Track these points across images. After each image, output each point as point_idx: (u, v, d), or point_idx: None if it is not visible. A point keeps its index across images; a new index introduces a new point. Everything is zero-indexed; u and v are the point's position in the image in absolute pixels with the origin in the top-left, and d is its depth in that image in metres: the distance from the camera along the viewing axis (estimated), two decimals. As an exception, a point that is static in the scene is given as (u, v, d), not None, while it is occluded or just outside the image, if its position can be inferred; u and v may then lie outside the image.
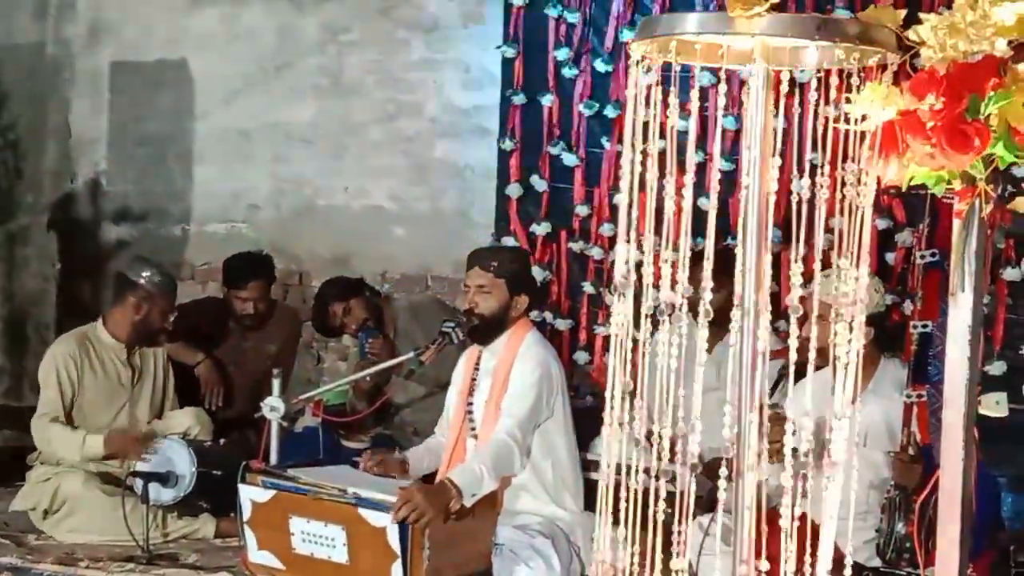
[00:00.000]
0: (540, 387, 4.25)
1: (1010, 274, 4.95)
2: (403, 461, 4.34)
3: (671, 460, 2.40)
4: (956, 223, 2.15)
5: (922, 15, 2.11)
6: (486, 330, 4.36)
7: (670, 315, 2.32)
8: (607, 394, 2.45)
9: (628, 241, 2.35)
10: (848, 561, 2.36)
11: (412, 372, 4.63)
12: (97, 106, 7.15)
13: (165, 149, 7.02)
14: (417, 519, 3.74)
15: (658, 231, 2.36)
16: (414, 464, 4.38)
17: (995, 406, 2.35)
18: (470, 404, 4.39)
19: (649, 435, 2.45)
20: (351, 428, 5.33)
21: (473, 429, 4.35)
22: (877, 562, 3.76)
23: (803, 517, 2.33)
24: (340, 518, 3.82)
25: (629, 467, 2.44)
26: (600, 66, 5.67)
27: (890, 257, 5.13)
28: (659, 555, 2.47)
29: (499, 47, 5.92)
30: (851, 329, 2.28)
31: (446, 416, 4.56)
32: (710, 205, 2.29)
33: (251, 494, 4.00)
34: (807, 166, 2.29)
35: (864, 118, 2.17)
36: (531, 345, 4.36)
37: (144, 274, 5.22)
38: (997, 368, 4.96)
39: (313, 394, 4.76)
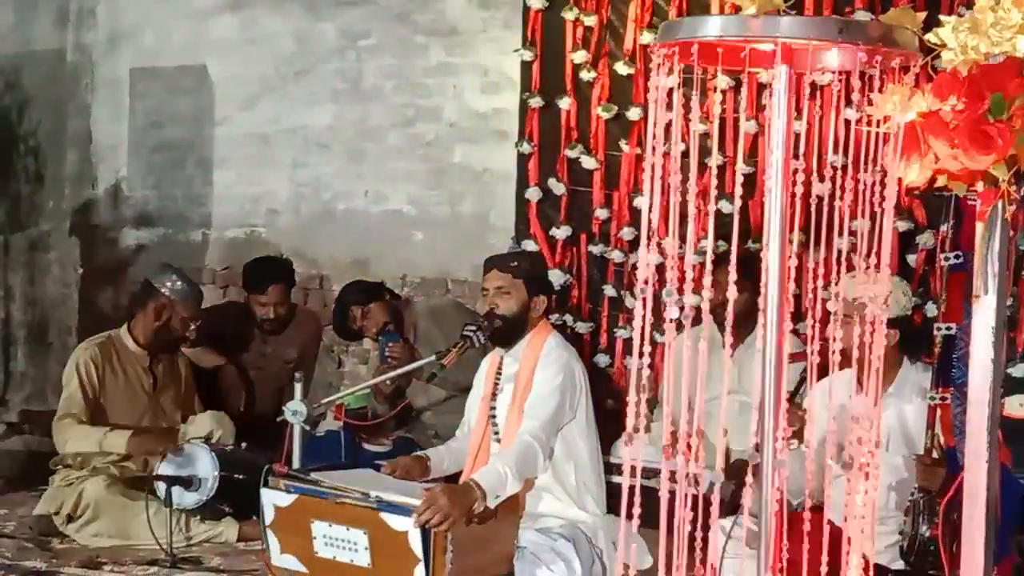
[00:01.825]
0: (563, 389, 4.26)
1: (1032, 276, 4.94)
2: (424, 460, 4.35)
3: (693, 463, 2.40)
4: (979, 225, 2.14)
5: (942, 17, 2.11)
6: (508, 331, 4.36)
7: (680, 315, 2.32)
8: (629, 398, 2.45)
9: (652, 245, 2.35)
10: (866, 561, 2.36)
11: (433, 376, 4.63)
12: (117, 112, 7.18)
13: (185, 154, 7.05)
14: (441, 521, 3.74)
15: (679, 235, 2.36)
16: (435, 464, 4.38)
17: (1019, 408, 2.35)
18: (493, 409, 4.39)
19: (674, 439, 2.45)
20: (372, 432, 5.34)
21: (496, 434, 4.35)
22: (900, 565, 3.75)
23: (827, 521, 2.33)
24: (362, 522, 3.82)
25: (652, 471, 2.44)
26: (621, 69, 5.67)
27: (911, 259, 5.11)
28: (682, 558, 2.47)
29: (517, 50, 5.93)
30: (875, 331, 2.28)
31: (467, 421, 4.56)
32: (733, 208, 2.29)
33: (273, 498, 4.00)
34: (828, 169, 2.29)
35: (886, 120, 2.17)
36: (553, 348, 4.36)
37: (167, 282, 5.25)
38: (1020, 370, 4.93)
39: (334, 398, 4.77)
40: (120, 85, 7.17)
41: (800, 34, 2.11)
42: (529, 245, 5.91)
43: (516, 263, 4.45)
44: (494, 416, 4.38)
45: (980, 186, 2.14)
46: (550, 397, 4.22)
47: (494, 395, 4.41)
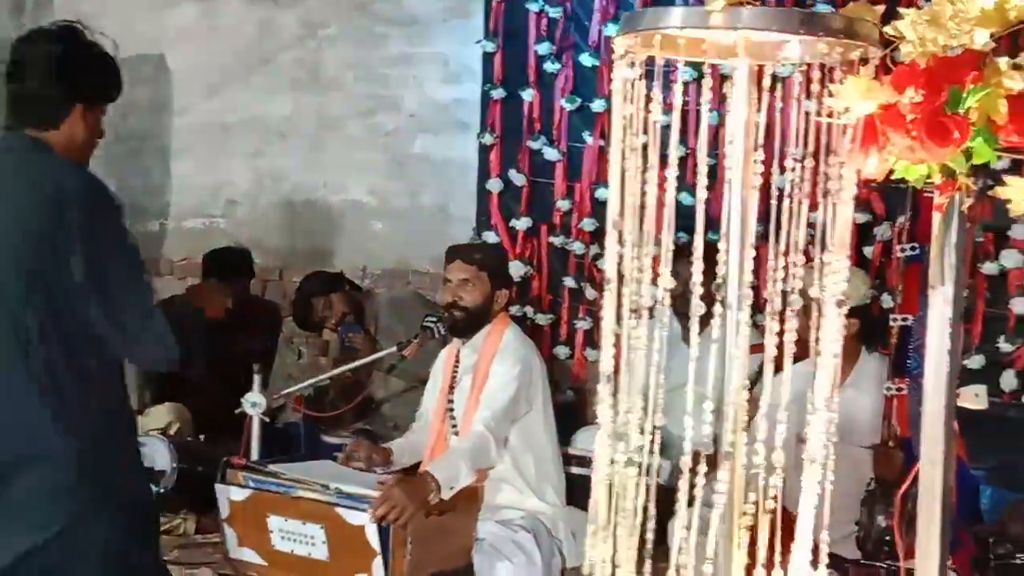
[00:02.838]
0: (520, 381, 4.26)
1: (989, 268, 4.98)
2: (386, 451, 4.35)
3: (651, 453, 2.40)
4: (936, 217, 2.15)
5: (902, 10, 2.11)
6: (469, 323, 4.36)
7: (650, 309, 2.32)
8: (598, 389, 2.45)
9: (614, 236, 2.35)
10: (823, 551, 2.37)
11: (393, 367, 4.63)
12: (75, 102, 7.11)
13: (143, 144, 6.99)
14: (398, 516, 3.73)
15: (641, 226, 2.36)
16: (396, 457, 4.38)
17: (974, 399, 2.36)
18: (450, 401, 4.39)
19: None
20: (332, 423, 5.32)
21: (454, 426, 4.35)
22: (857, 555, 3.78)
23: (783, 511, 2.34)
24: (319, 516, 3.82)
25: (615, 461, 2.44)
26: (585, 60, 5.68)
27: (868, 251, 5.14)
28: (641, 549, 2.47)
29: (479, 41, 5.92)
30: (834, 320, 2.29)
31: (424, 413, 4.56)
32: (697, 200, 2.29)
33: (228, 493, 3.99)
34: (788, 160, 2.30)
35: (845, 111, 2.18)
36: (511, 340, 4.37)
37: None
38: (976, 362, 4.99)
39: (294, 389, 4.75)
40: (78, 74, 7.10)
41: (761, 25, 2.11)
42: (490, 236, 5.91)
43: (480, 255, 4.45)
44: (451, 409, 4.37)
45: (938, 178, 2.15)
46: (506, 388, 4.23)
47: (452, 387, 4.41)
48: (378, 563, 3.74)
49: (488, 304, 4.36)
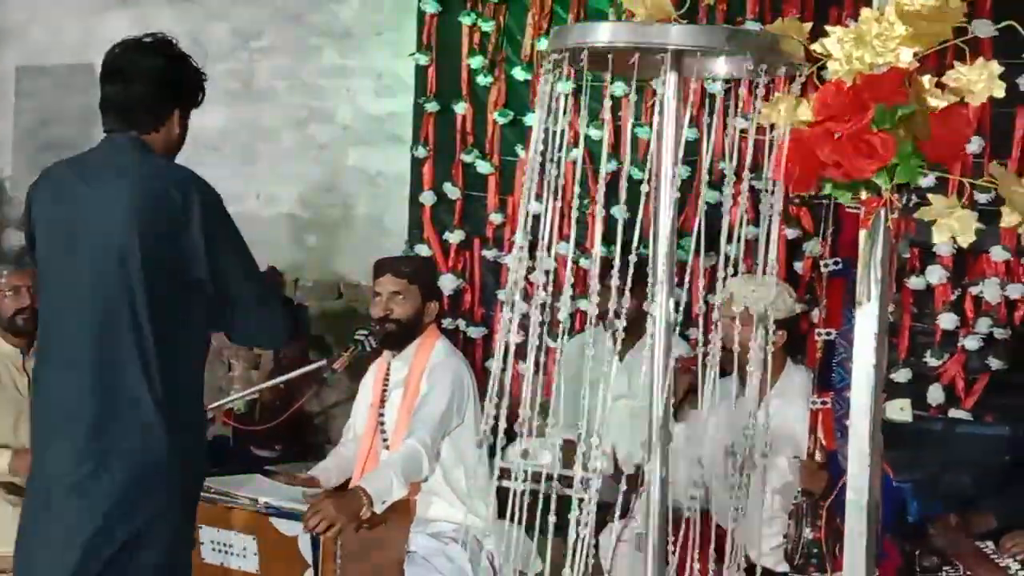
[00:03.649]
0: (451, 394, 4.26)
1: (915, 283, 5.04)
2: (313, 480, 4.33)
3: (584, 468, 2.41)
4: (862, 232, 2.18)
5: (828, 28, 2.14)
6: (400, 336, 4.35)
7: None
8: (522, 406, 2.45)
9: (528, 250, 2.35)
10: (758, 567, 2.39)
11: (324, 380, 4.61)
12: (2, 110, 7.03)
13: (73, 154, 6.90)
14: (327, 528, 3.71)
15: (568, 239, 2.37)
16: (323, 482, 4.36)
17: (900, 412, 2.39)
18: (381, 415, 4.38)
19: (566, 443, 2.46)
20: (262, 437, 5.29)
21: (385, 440, 4.34)
22: (785, 567, 3.81)
23: (714, 525, 2.36)
24: (251, 528, 3.79)
25: (544, 475, 2.45)
26: (518, 74, 5.69)
27: (799, 267, 5.19)
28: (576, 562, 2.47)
29: (412, 55, 5.92)
30: (762, 332, 2.31)
31: (353, 427, 4.54)
32: (621, 214, 2.31)
33: (159, 504, 3.94)
34: (719, 176, 2.32)
35: (772, 128, 2.20)
36: (441, 353, 4.36)
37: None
38: (902, 375, 5.04)
39: (223, 402, 4.71)
40: (5, 83, 7.02)
41: (689, 42, 2.13)
42: (422, 249, 5.90)
43: (410, 268, 4.45)
44: (383, 423, 4.36)
45: (863, 194, 2.18)
46: (437, 401, 4.22)
47: (382, 401, 4.40)
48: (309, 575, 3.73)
49: (419, 317, 4.36)
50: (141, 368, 3.15)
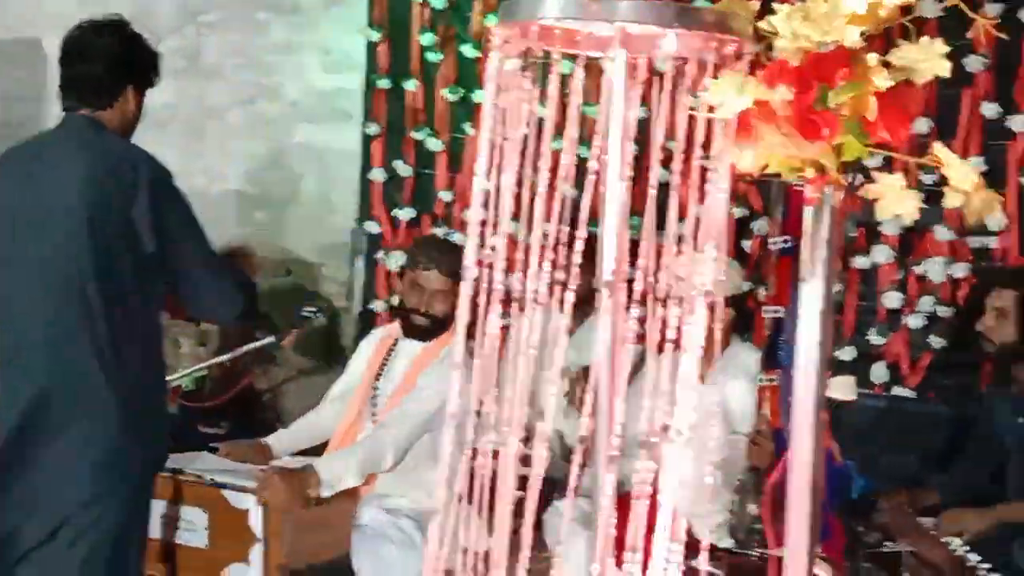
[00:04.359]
0: (444, 398, 4.21)
1: (860, 262, 5.09)
2: (264, 447, 4.29)
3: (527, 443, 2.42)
4: (807, 210, 2.19)
5: (776, 5, 2.14)
6: (432, 331, 4.28)
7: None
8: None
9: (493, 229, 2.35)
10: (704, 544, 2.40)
11: (273, 358, 4.58)
12: (-54, 84, 6.93)
13: (17, 132, 6.77)
14: (276, 506, 3.70)
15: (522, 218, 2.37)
16: (278, 450, 4.33)
17: (843, 390, 2.41)
18: (376, 390, 4.32)
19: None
20: (209, 414, 5.26)
21: (374, 415, 4.29)
22: (730, 543, 3.84)
23: (657, 500, 2.36)
24: (202, 501, 3.78)
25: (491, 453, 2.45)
26: (468, 51, 5.68)
27: (747, 245, 5.22)
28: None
29: (362, 30, 5.89)
30: (705, 310, 2.32)
31: (346, 385, 4.47)
32: (570, 192, 2.31)
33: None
34: (667, 154, 2.32)
35: (720, 107, 2.20)
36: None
37: None
38: (847, 353, 5.10)
39: (169, 379, 4.67)
40: (-51, 57, 6.92)
41: (637, 19, 2.13)
42: (372, 227, 5.89)
43: (457, 266, 4.33)
44: (376, 397, 4.31)
45: (810, 173, 2.19)
46: (428, 402, 4.13)
47: (379, 375, 4.34)
48: (257, 551, 3.72)
49: (451, 313, 4.31)
50: (91, 345, 3.17)
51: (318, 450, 4.33)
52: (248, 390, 5.29)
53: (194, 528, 3.80)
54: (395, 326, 4.43)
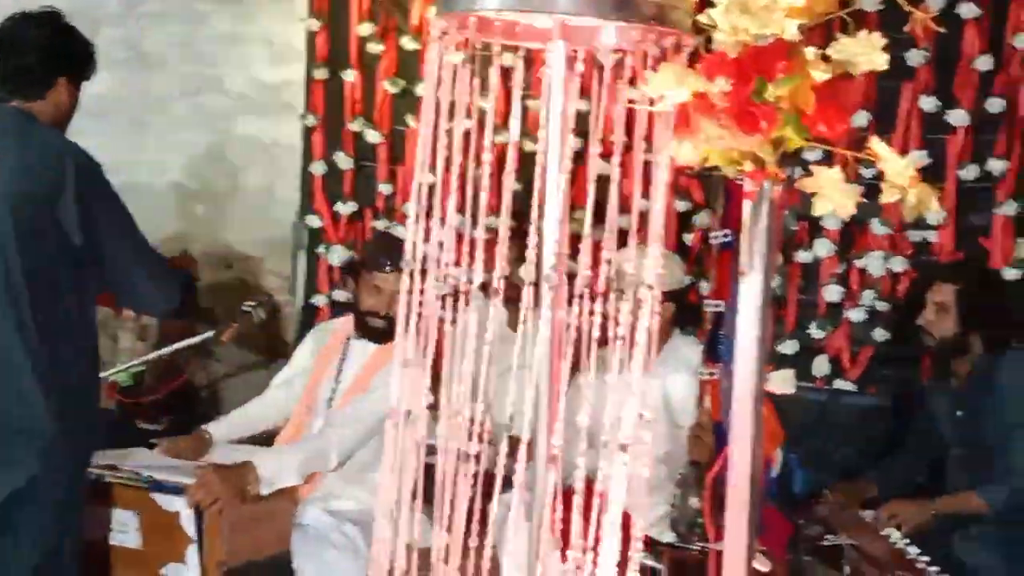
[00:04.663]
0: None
1: (802, 256, 5.11)
2: (203, 438, 4.24)
3: (472, 439, 2.40)
4: (746, 204, 2.18)
5: (715, -2, 2.13)
6: (391, 332, 4.21)
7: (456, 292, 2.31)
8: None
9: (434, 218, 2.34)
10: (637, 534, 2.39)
11: (212, 353, 4.54)
12: None
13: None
14: (212, 503, 3.66)
15: (463, 210, 2.36)
16: (223, 434, 4.27)
17: (783, 384, 2.41)
18: (333, 389, 4.27)
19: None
20: (148, 410, 5.20)
21: (325, 414, 4.23)
22: (671, 537, 3.84)
23: (600, 494, 2.36)
24: (132, 503, 3.73)
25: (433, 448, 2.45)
26: (408, 43, 5.65)
27: (688, 238, 5.23)
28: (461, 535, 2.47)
29: (302, 20, 5.85)
30: (643, 304, 2.31)
31: (291, 373, 4.42)
32: (511, 184, 2.30)
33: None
34: (609, 146, 2.32)
35: (660, 99, 2.19)
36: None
37: None
38: (789, 347, 5.12)
39: (106, 374, 4.62)
40: None
41: (575, 11, 2.12)
42: (314, 220, 5.85)
43: None
44: (331, 399, 4.26)
45: (748, 166, 2.18)
46: (380, 403, 4.07)
47: (330, 372, 4.29)
48: (192, 551, 3.68)
49: None
50: (18, 334, 3.14)
51: (257, 439, 4.28)
52: (187, 385, 5.25)
53: (126, 530, 3.75)
54: (346, 323, 4.39)
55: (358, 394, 4.15)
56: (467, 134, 2.36)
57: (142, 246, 3.51)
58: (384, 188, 5.75)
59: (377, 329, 4.23)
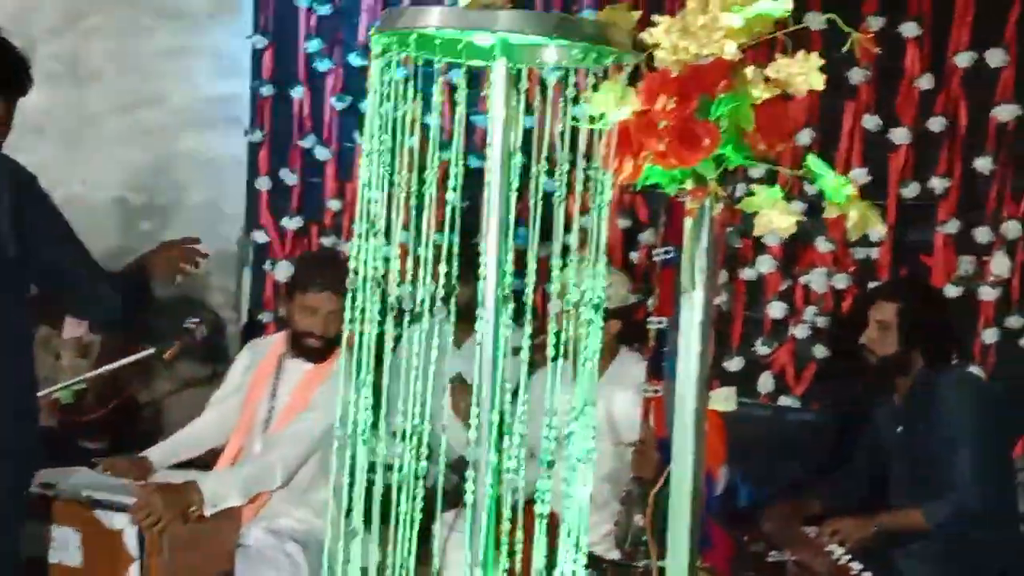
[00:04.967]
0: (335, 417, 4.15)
1: (747, 273, 5.13)
2: (143, 462, 4.20)
3: (422, 458, 2.40)
4: (687, 222, 2.19)
5: (655, 17, 2.14)
6: (326, 352, 4.19)
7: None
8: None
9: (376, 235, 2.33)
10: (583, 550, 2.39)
11: (155, 370, 4.50)
12: None
13: None
14: (154, 522, 3.62)
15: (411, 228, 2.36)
16: (160, 462, 4.24)
17: (724, 402, 2.42)
18: (270, 409, 4.24)
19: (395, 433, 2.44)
20: (90, 428, 5.14)
21: (265, 433, 4.20)
22: (616, 554, 3.84)
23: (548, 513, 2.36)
24: (73, 520, 3.69)
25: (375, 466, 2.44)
26: (355, 60, 5.64)
27: (634, 256, 5.24)
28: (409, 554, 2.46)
29: (249, 37, 5.82)
30: (592, 321, 2.32)
31: (226, 391, 4.38)
32: (457, 201, 2.30)
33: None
34: (553, 165, 2.32)
35: (601, 117, 2.20)
36: (340, 371, 4.23)
37: None
38: (735, 364, 5.14)
39: (47, 392, 4.56)
40: None
41: (517, 28, 2.11)
42: (259, 235, 5.82)
43: (346, 281, 4.22)
44: (268, 419, 4.23)
45: (689, 184, 2.19)
46: (320, 420, 4.04)
47: (267, 392, 4.26)
48: (134, 569, 3.64)
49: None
50: None
51: (197, 463, 4.24)
52: (130, 403, 5.19)
53: (67, 548, 3.71)
54: (278, 340, 4.35)
55: (297, 412, 4.11)
56: (412, 151, 2.35)
57: (82, 253, 3.47)
58: (333, 204, 5.73)
59: (312, 349, 4.20)
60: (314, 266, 4.32)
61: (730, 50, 2.10)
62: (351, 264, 2.34)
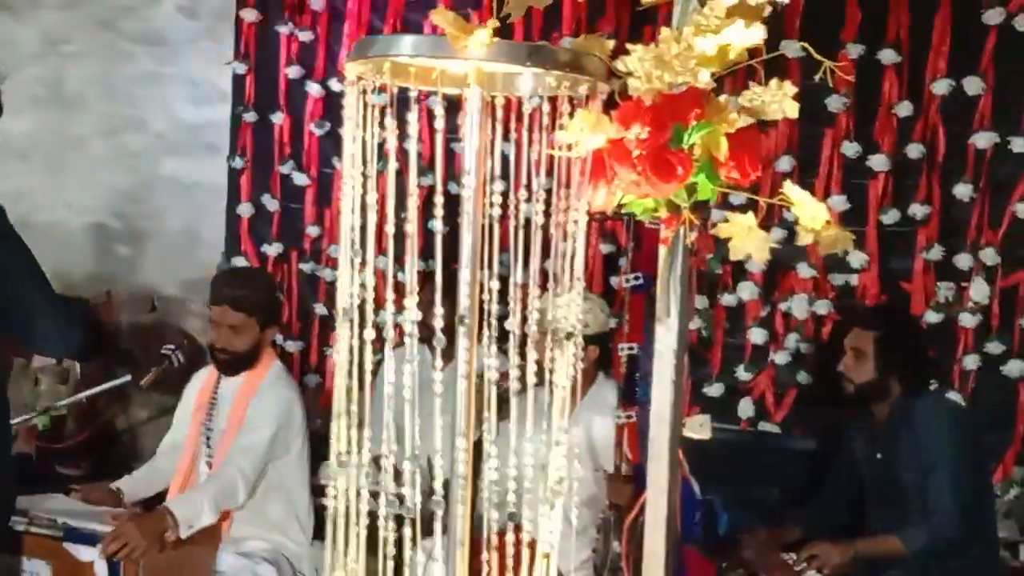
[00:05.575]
0: (278, 424, 4.17)
1: (727, 299, 5.13)
2: (116, 492, 4.19)
3: (400, 484, 2.39)
4: (662, 249, 2.19)
5: (629, 46, 2.14)
6: (237, 365, 4.23)
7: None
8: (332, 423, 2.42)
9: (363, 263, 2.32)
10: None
11: (132, 396, 4.49)
12: None
13: None
14: (130, 552, 3.61)
15: (386, 254, 2.35)
16: (131, 494, 4.23)
17: (699, 428, 2.41)
18: (209, 431, 4.26)
19: (376, 460, 2.43)
20: (66, 454, 5.12)
21: (210, 458, 4.22)
22: (595, 581, 3.84)
23: (525, 539, 2.35)
24: (44, 553, 3.66)
25: (358, 493, 2.42)
26: (334, 86, 5.64)
27: (615, 281, 5.24)
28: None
29: (229, 63, 5.82)
30: (566, 348, 2.31)
31: (176, 435, 4.41)
32: (438, 227, 2.29)
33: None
34: (530, 192, 2.32)
35: (576, 145, 2.20)
36: (274, 380, 4.26)
37: None
38: (716, 390, 5.14)
39: (24, 419, 4.54)
40: None
41: (490, 57, 2.11)
42: (239, 261, 5.80)
43: (251, 300, 4.24)
44: (209, 439, 4.24)
45: (663, 212, 2.19)
46: (261, 432, 4.10)
47: (210, 415, 4.27)
48: (106, 599, 3.63)
49: (256, 347, 4.25)
50: None
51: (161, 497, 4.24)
52: (107, 429, 5.17)
53: (38, 579, 3.70)
54: (212, 366, 4.39)
55: (237, 429, 4.15)
56: (386, 178, 2.35)
57: (43, 287, 3.44)
58: (312, 230, 5.72)
59: (220, 362, 4.24)
60: (219, 281, 4.41)
61: (703, 78, 2.11)
62: (339, 291, 2.32)
